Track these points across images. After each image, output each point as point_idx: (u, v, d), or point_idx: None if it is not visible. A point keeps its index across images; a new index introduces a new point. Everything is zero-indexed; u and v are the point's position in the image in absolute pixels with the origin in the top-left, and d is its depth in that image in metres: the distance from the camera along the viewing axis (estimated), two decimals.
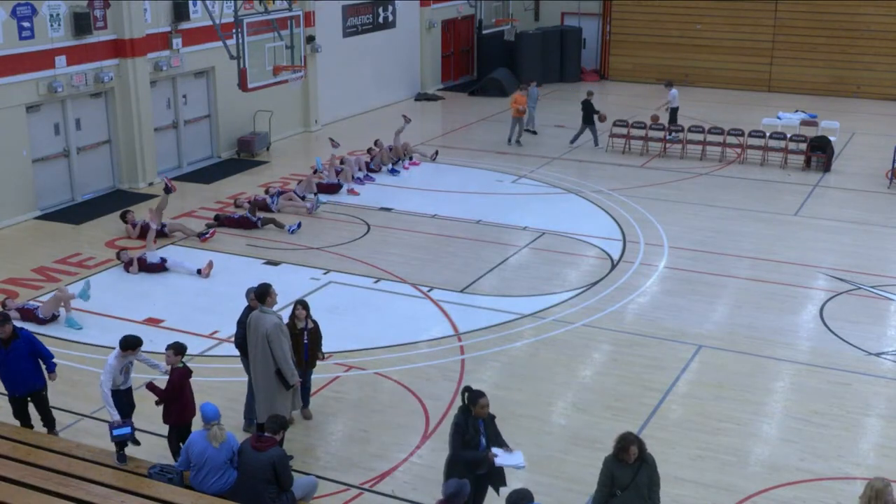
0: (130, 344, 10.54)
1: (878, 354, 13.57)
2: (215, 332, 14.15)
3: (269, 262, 16.97)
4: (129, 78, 20.82)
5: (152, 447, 10.94)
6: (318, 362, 11.86)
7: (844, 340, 13.97)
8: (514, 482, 9.49)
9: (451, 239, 18.22)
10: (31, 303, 14.86)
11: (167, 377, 10.44)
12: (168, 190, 18.15)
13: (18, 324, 11.42)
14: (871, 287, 15.86)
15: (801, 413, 11.97)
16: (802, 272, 16.54)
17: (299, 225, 18.52)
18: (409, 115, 24.46)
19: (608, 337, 14.08)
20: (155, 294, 15.66)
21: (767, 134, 24.07)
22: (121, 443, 10.07)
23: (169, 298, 15.50)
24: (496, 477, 9.32)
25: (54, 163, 20.07)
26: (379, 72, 29.84)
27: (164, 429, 10.73)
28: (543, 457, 10.94)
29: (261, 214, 19.05)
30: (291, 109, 26.08)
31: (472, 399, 9.05)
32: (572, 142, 25.10)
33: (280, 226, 18.51)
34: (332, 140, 22.07)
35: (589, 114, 24.80)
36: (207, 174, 22.71)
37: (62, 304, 14.58)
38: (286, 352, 10.56)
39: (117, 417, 10.12)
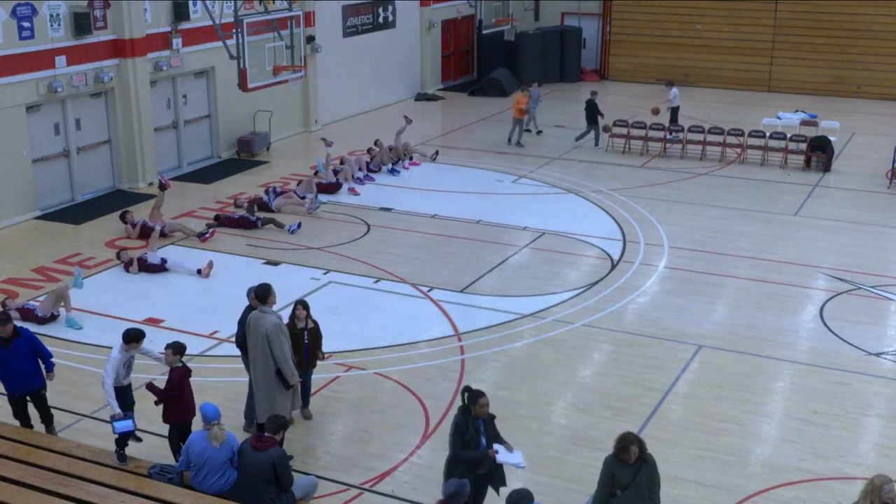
0: (134, 336, 10.54)
1: (878, 354, 13.57)
2: (215, 332, 14.16)
3: (269, 262, 16.97)
4: (129, 78, 20.82)
5: (152, 447, 10.95)
6: (319, 362, 11.86)
7: (844, 340, 13.97)
8: (514, 482, 9.49)
9: (451, 239, 18.22)
10: (31, 303, 14.86)
11: (167, 377, 10.43)
12: (163, 187, 18.19)
13: (18, 324, 11.41)
14: (871, 287, 15.86)
15: (801, 413, 11.98)
16: (802, 272, 16.54)
17: (299, 225, 18.52)
18: (410, 115, 24.45)
19: (608, 337, 14.08)
20: (155, 294, 15.66)
21: (767, 134, 24.07)
22: (121, 441, 10.11)
23: (169, 298, 15.50)
24: (496, 477, 9.33)
25: (54, 163, 20.07)
26: (379, 72, 29.84)
27: (164, 429, 10.72)
28: (543, 457, 10.94)
29: (261, 214, 19.06)
30: (291, 109, 26.08)
31: (472, 399, 9.05)
32: (578, 139, 25.10)
33: (280, 226, 18.51)
34: (324, 140, 22.06)
35: (593, 114, 24.79)
36: (207, 174, 22.71)
37: (62, 303, 14.59)
38: (286, 352, 10.56)
39: (119, 411, 10.14)
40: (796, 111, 27.17)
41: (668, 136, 24.50)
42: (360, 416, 11.91)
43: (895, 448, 11.26)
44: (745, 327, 14.37)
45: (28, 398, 10.93)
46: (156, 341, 12.82)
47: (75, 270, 14.95)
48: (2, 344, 10.55)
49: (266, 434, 9.14)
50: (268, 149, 24.64)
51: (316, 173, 21.28)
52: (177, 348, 10.29)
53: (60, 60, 19.45)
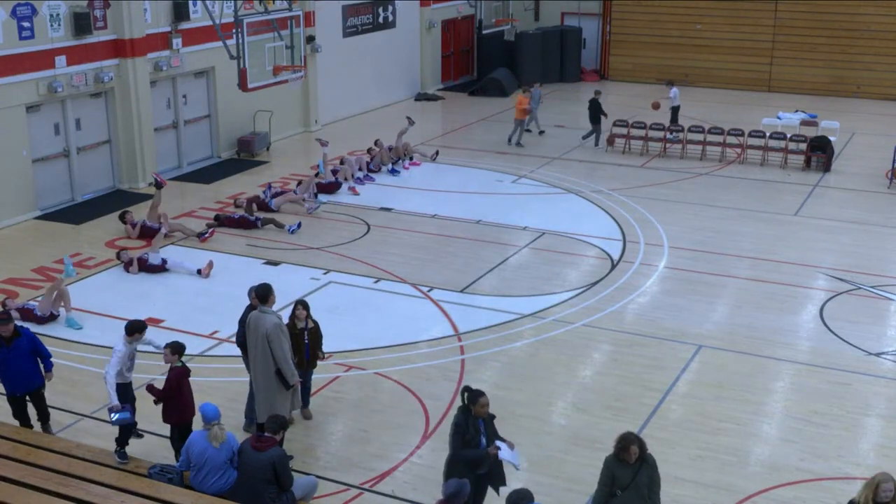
0: (137, 327, 10.60)
1: (878, 354, 13.57)
2: (215, 332, 14.16)
3: (269, 262, 16.97)
4: (129, 78, 20.82)
5: (152, 447, 10.96)
6: (319, 362, 11.86)
7: (844, 340, 13.96)
8: (514, 482, 9.48)
9: (451, 239, 18.22)
10: (31, 303, 14.86)
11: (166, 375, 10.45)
12: (159, 185, 18.20)
13: (18, 323, 11.41)
14: (871, 287, 15.86)
15: (801, 413, 11.97)
16: (802, 272, 16.54)
17: (299, 225, 18.52)
18: (412, 117, 24.44)
19: (608, 337, 14.08)
20: (155, 294, 15.67)
21: (767, 134, 24.07)
22: (122, 439, 10.15)
23: (169, 298, 15.50)
24: (496, 477, 9.33)
25: (54, 163, 20.08)
26: (379, 72, 29.84)
27: (164, 429, 10.73)
28: (543, 457, 10.94)
29: (261, 214, 19.07)
30: (291, 109, 26.08)
31: (472, 398, 9.05)
32: (584, 138, 25.07)
33: (280, 226, 18.51)
34: (320, 140, 22.05)
35: (596, 113, 24.79)
36: (207, 174, 22.71)
37: (61, 302, 14.60)
38: (286, 352, 10.56)
39: (117, 402, 10.22)
40: (796, 111, 27.17)
41: (668, 136, 24.49)
42: (360, 416, 11.91)
43: (895, 448, 11.26)
44: (745, 327, 14.37)
45: (27, 397, 10.95)
46: (156, 341, 12.84)
47: (65, 258, 14.95)
48: (3, 343, 10.57)
49: (266, 434, 9.14)
50: (268, 149, 24.65)
51: (317, 174, 21.24)
52: (175, 348, 10.30)
53: (60, 60, 19.46)
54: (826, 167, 22.92)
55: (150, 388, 10.40)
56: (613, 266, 16.80)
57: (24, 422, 10.98)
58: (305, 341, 11.36)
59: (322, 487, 10.07)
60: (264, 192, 19.98)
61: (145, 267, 16.49)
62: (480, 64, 34.38)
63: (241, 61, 18.10)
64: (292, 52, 19.61)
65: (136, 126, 21.14)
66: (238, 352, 11.78)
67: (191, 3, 22.03)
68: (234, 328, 11.58)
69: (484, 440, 9.08)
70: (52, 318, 14.53)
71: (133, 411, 10.54)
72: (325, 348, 11.87)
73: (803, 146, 23.37)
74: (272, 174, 22.39)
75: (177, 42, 21.94)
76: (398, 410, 12.03)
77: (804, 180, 22.17)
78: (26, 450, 9.79)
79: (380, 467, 10.77)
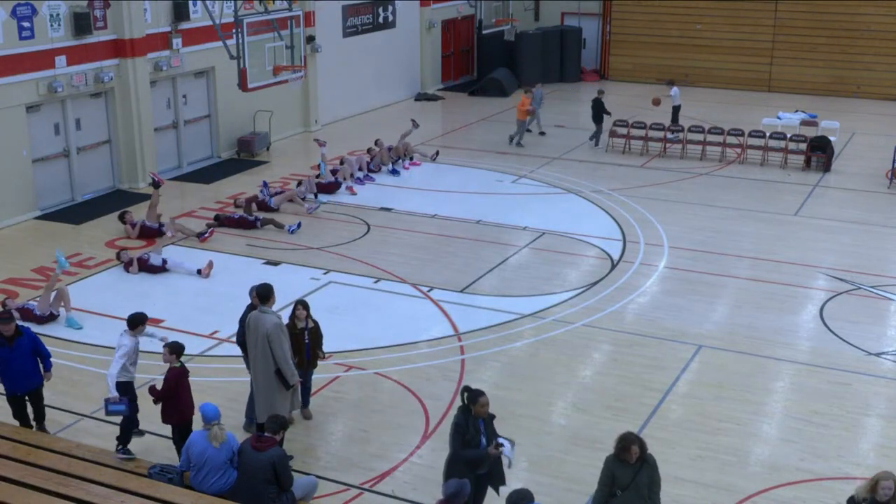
0: (139, 319, 10.70)
1: (878, 354, 13.57)
2: (215, 332, 14.16)
3: (269, 262, 16.97)
4: (129, 78, 20.82)
5: (152, 447, 10.96)
6: (319, 362, 11.86)
7: (844, 340, 13.96)
8: (514, 482, 9.49)
9: (451, 239, 18.22)
10: (31, 303, 14.86)
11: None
12: (156, 184, 18.21)
13: (19, 323, 11.42)
14: (871, 287, 15.86)
15: (801, 413, 11.97)
16: (802, 272, 16.54)
17: (299, 225, 18.52)
18: (417, 120, 24.44)
19: (608, 337, 14.08)
20: (155, 294, 15.67)
21: (767, 134, 24.07)
22: (124, 438, 10.19)
23: (169, 298, 15.50)
24: (496, 476, 9.33)
25: (54, 163, 20.08)
26: (379, 72, 29.84)
27: (165, 429, 10.75)
28: (543, 457, 10.94)
29: (260, 214, 19.07)
30: (291, 109, 26.08)
31: (472, 398, 9.04)
32: (591, 139, 25.00)
33: (280, 226, 18.51)
34: (317, 140, 22.05)
35: (599, 113, 24.77)
36: (207, 174, 22.72)
37: (61, 302, 14.60)
38: (286, 352, 10.56)
39: (115, 394, 10.30)
40: (796, 111, 27.17)
41: (668, 136, 24.49)
42: (360, 416, 11.91)
43: (895, 448, 11.26)
44: (745, 327, 14.37)
45: (26, 397, 10.98)
46: (156, 341, 12.84)
47: (56, 253, 14.94)
48: (5, 343, 10.60)
49: (266, 434, 9.14)
50: (268, 149, 24.64)
51: (318, 176, 21.19)
52: (173, 348, 10.32)
53: (60, 60, 19.46)
54: (826, 167, 22.92)
55: (152, 390, 10.45)
56: (613, 266, 16.80)
57: (24, 422, 10.99)
58: (306, 341, 11.36)
59: (322, 487, 10.07)
60: (261, 192, 19.97)
61: (145, 267, 16.49)
62: (480, 64, 34.38)
63: (241, 61, 18.10)
64: (292, 52, 19.61)
65: (136, 126, 21.15)
66: (238, 352, 11.79)
67: (191, 3, 22.03)
68: (235, 328, 11.60)
69: (484, 440, 9.08)
70: (52, 317, 14.53)
71: (134, 409, 10.58)
72: (325, 348, 11.86)
73: (803, 146, 23.37)
74: (272, 174, 22.38)
75: (177, 42, 21.94)
76: (398, 410, 12.03)
77: (804, 180, 22.17)
78: (26, 450, 9.78)
79: (380, 467, 10.77)
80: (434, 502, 8.56)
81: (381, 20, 29.71)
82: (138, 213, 18.77)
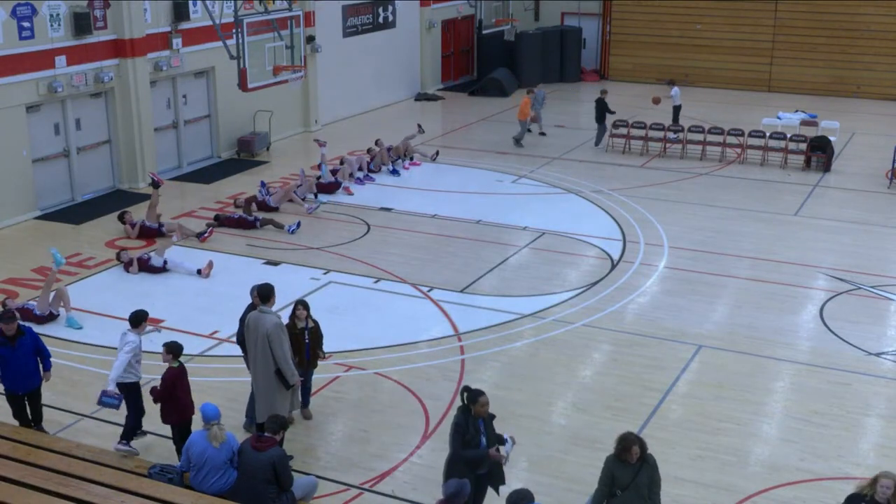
0: (142, 316, 10.77)
1: (878, 354, 13.57)
2: (215, 332, 14.16)
3: (269, 262, 16.97)
4: (129, 78, 20.82)
5: (152, 447, 10.97)
6: (319, 362, 11.86)
7: (844, 340, 13.96)
8: (514, 482, 9.49)
9: (451, 239, 18.22)
10: (31, 303, 14.86)
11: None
12: (156, 184, 18.21)
13: (20, 323, 11.45)
14: (871, 287, 15.86)
15: (801, 413, 11.97)
16: (802, 272, 16.54)
17: (298, 224, 18.52)
18: (423, 126, 24.43)
19: (608, 337, 14.08)
20: (155, 294, 15.66)
21: (767, 134, 24.07)
22: (128, 434, 10.41)
23: (169, 298, 15.50)
24: (496, 476, 9.33)
25: (54, 163, 20.08)
26: (379, 72, 29.83)
27: (165, 429, 10.77)
28: (543, 457, 10.94)
29: (260, 215, 19.07)
30: (291, 109, 26.08)
31: (472, 398, 9.04)
32: (602, 144, 24.96)
33: (279, 226, 18.51)
34: (317, 140, 22.04)
35: (602, 113, 24.77)
36: (207, 174, 22.71)
37: (61, 302, 14.60)
38: (286, 352, 10.56)
39: (113, 388, 10.42)
40: (796, 111, 27.17)
41: (669, 136, 24.48)
42: (360, 416, 11.91)
43: (895, 448, 11.26)
44: (745, 327, 14.37)
45: (25, 397, 11.00)
46: (156, 341, 12.87)
47: (52, 250, 14.94)
48: (7, 342, 10.62)
49: (266, 434, 9.14)
50: (268, 149, 24.64)
51: (318, 178, 21.14)
52: (171, 348, 10.35)
53: (60, 60, 19.46)
54: (826, 167, 22.92)
55: (152, 390, 10.52)
56: (613, 266, 16.80)
57: (24, 421, 11.00)
58: (306, 341, 11.36)
59: (322, 487, 10.07)
60: (260, 192, 19.96)
61: (145, 267, 16.49)
62: (480, 64, 34.38)
63: (241, 61, 18.10)
64: (292, 52, 19.60)
65: (136, 126, 21.14)
66: (239, 352, 11.79)
67: (191, 3, 22.03)
68: (235, 328, 11.61)
69: (484, 440, 9.08)
70: (52, 317, 14.53)
71: (140, 412, 10.68)
72: (325, 348, 11.86)
73: (803, 146, 23.37)
74: (272, 174, 22.38)
75: (177, 42, 21.94)
76: (398, 410, 12.03)
77: (804, 180, 22.17)
78: (26, 450, 9.79)
79: (380, 467, 10.77)
80: (434, 502, 8.56)
81: (381, 20, 29.71)
82: (138, 213, 18.77)
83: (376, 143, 23.22)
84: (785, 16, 31.95)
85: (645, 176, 22.44)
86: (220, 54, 20.39)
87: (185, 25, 22.10)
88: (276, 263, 16.90)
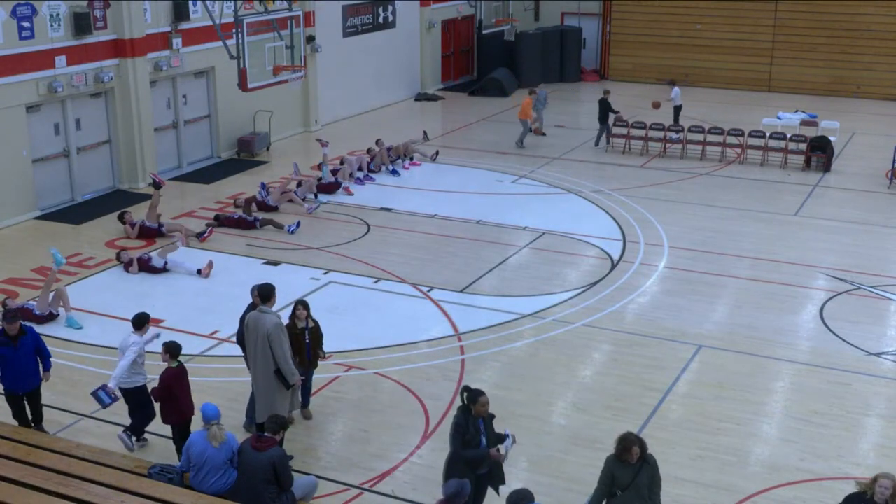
0: (145, 319, 10.85)
1: (878, 354, 13.57)
2: (215, 332, 14.16)
3: (269, 262, 16.97)
4: (129, 78, 20.82)
5: (152, 447, 10.98)
6: (319, 362, 11.86)
7: (844, 340, 13.96)
8: (514, 482, 9.49)
9: (451, 239, 18.22)
10: (31, 303, 14.86)
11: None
12: (157, 185, 18.21)
13: (22, 323, 11.46)
14: (871, 287, 15.86)
15: (801, 413, 11.97)
16: (802, 272, 16.54)
17: (298, 224, 18.52)
18: (427, 132, 24.44)
19: (608, 337, 14.08)
20: (155, 294, 15.66)
21: (767, 134, 24.07)
22: (135, 428, 10.55)
23: (169, 298, 15.50)
24: (496, 476, 9.33)
25: (54, 163, 20.08)
26: (379, 72, 29.83)
27: (165, 429, 10.77)
28: (543, 457, 10.94)
29: (260, 215, 19.07)
30: (291, 109, 26.08)
31: (472, 398, 9.04)
32: (606, 139, 24.95)
33: (279, 226, 18.51)
34: (320, 140, 22.05)
35: (605, 113, 24.76)
36: (207, 174, 22.72)
37: (60, 302, 14.60)
38: (286, 351, 10.56)
39: (114, 387, 10.52)
40: (796, 111, 27.17)
41: (669, 136, 24.48)
42: (360, 416, 11.91)
43: (895, 448, 11.26)
44: (745, 327, 14.37)
45: (24, 397, 11.01)
46: (156, 341, 12.85)
47: (52, 250, 14.95)
48: (9, 342, 10.65)
49: (266, 434, 9.14)
50: (268, 149, 24.64)
51: (319, 179, 21.13)
52: (169, 348, 10.37)
53: (60, 60, 19.46)
54: (826, 167, 22.92)
55: (152, 391, 10.54)
56: (613, 266, 16.80)
57: (23, 421, 11.01)
58: (306, 341, 11.36)
59: (322, 487, 10.07)
60: (260, 193, 19.95)
61: (145, 267, 16.49)
62: (480, 64, 34.38)
63: (241, 61, 18.10)
64: (292, 52, 19.60)
65: (136, 126, 21.14)
66: (239, 352, 11.80)
67: (191, 3, 22.03)
68: (234, 328, 11.61)
69: (484, 440, 9.08)
70: (52, 317, 14.53)
71: (148, 414, 10.79)
72: (325, 348, 11.86)
73: (803, 146, 23.36)
74: (272, 174, 22.38)
75: (177, 42, 21.94)
76: (398, 410, 12.03)
77: (804, 180, 22.17)
78: (26, 450, 9.78)
79: (380, 467, 10.77)
80: (434, 502, 8.56)
81: (381, 20, 29.71)
82: (138, 213, 18.77)
83: (377, 143, 23.22)
84: (785, 16, 31.95)
85: (645, 176, 22.44)
86: (220, 54, 20.39)
87: (185, 25, 22.10)
88: (276, 263, 16.90)
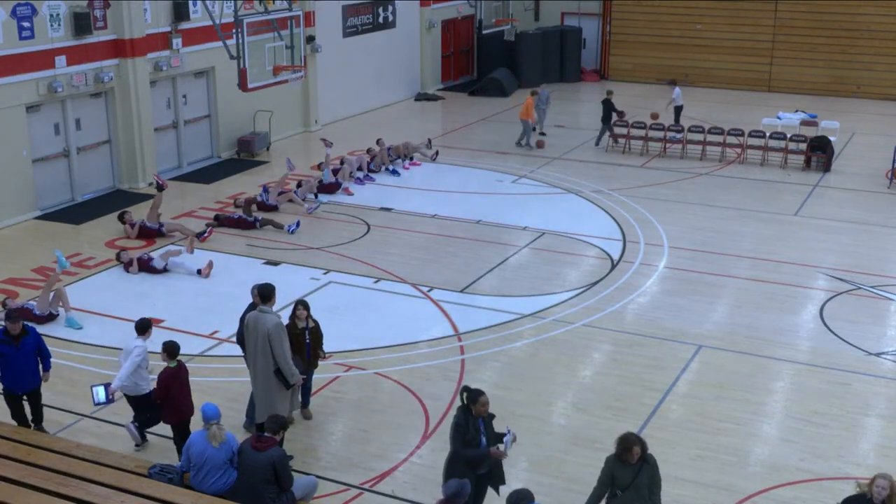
0: (148, 324, 10.89)
1: (878, 354, 13.57)
2: (215, 332, 14.16)
3: (269, 262, 16.97)
4: (129, 78, 20.82)
5: (152, 447, 10.97)
6: (319, 362, 11.86)
7: (844, 340, 13.96)
8: (514, 482, 9.49)
9: (451, 239, 18.22)
10: (31, 303, 14.86)
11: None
12: (160, 187, 18.21)
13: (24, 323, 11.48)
14: (871, 287, 15.86)
15: (801, 413, 11.97)
16: (802, 272, 16.54)
17: (298, 224, 18.52)
18: (432, 139, 24.48)
19: (608, 337, 14.08)
20: (155, 294, 15.67)
21: (767, 134, 24.07)
22: (142, 421, 10.63)
23: (169, 298, 15.50)
24: (496, 476, 9.33)
25: (54, 163, 20.07)
26: (379, 72, 29.83)
27: (165, 429, 10.78)
28: (543, 457, 10.94)
29: (259, 215, 19.07)
30: (291, 109, 26.08)
31: (472, 398, 9.04)
32: (605, 143, 24.93)
33: (279, 226, 18.51)
34: (324, 140, 22.05)
35: (608, 113, 24.76)
36: (207, 174, 22.72)
37: (60, 302, 14.60)
38: (286, 351, 10.56)
39: (116, 387, 10.53)
40: (796, 111, 27.17)
41: (669, 136, 24.48)
42: (360, 416, 11.91)
43: (895, 448, 11.26)
44: (745, 327, 14.37)
45: (24, 397, 11.01)
46: (156, 341, 12.81)
47: (56, 253, 14.96)
48: (11, 341, 10.66)
49: (266, 434, 9.14)
50: (268, 149, 24.64)
51: (320, 181, 21.11)
52: (166, 347, 10.37)
53: (60, 60, 19.46)
54: (826, 167, 22.92)
55: (152, 392, 10.53)
56: (613, 266, 16.80)
57: (22, 421, 11.02)
58: (307, 341, 11.36)
59: (322, 487, 10.07)
60: (260, 195, 19.93)
61: (145, 267, 16.49)
62: (480, 64, 34.38)
63: (241, 61, 18.09)
64: (292, 52, 19.59)
65: (136, 126, 21.14)
66: (239, 351, 11.79)
67: (191, 3, 22.03)
68: (234, 328, 11.61)
69: (484, 440, 9.08)
70: (52, 317, 14.53)
71: (156, 417, 10.78)
72: (325, 348, 11.87)
73: (803, 146, 23.36)
74: (272, 174, 22.37)
75: (177, 42, 21.94)
76: (398, 410, 12.03)
77: (804, 180, 22.17)
78: (26, 450, 9.78)
79: (380, 467, 10.78)
80: (434, 502, 8.56)
81: (381, 20, 29.71)
82: (138, 213, 18.76)
83: (377, 143, 23.22)
84: (785, 16, 31.95)
85: (645, 176, 22.44)
86: (220, 54, 20.39)
87: (185, 25, 22.10)
88: (276, 263, 16.90)
